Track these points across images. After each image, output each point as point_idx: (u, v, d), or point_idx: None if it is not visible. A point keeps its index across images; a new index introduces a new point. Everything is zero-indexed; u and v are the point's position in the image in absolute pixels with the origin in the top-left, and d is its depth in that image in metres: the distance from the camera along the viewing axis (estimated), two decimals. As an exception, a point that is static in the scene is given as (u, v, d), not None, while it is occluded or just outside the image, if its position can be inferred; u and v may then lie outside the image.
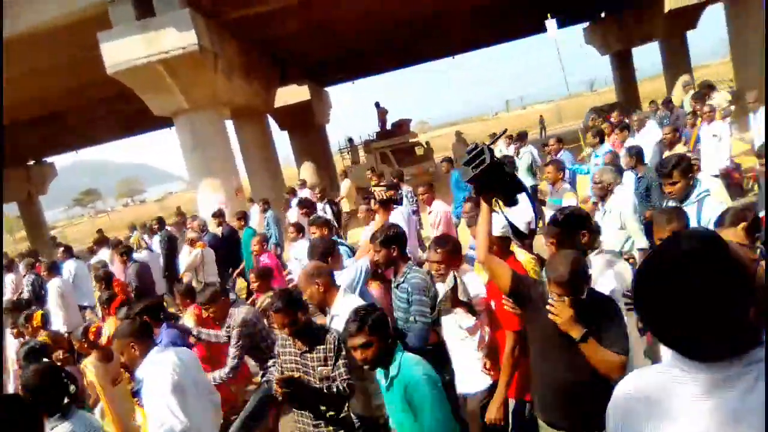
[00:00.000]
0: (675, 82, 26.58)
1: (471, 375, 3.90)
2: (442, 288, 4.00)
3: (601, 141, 9.54)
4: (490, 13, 24.14)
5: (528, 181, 10.46)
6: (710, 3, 23.56)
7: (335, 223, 10.67)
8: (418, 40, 26.41)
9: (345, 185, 16.01)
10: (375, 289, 5.00)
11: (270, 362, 5.06)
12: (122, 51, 12.88)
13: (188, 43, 12.83)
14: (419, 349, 4.11)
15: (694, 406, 1.35)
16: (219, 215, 11.32)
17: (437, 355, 4.17)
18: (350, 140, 28.99)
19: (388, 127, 26.26)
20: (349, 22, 20.48)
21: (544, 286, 3.01)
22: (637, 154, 7.43)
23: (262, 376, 5.17)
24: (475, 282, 3.99)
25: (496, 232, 3.63)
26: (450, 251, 4.00)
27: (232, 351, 5.00)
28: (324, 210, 11.64)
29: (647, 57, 34.53)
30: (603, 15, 31.46)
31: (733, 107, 10.89)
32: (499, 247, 3.71)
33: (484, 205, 3.21)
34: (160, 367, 3.66)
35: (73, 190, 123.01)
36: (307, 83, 24.68)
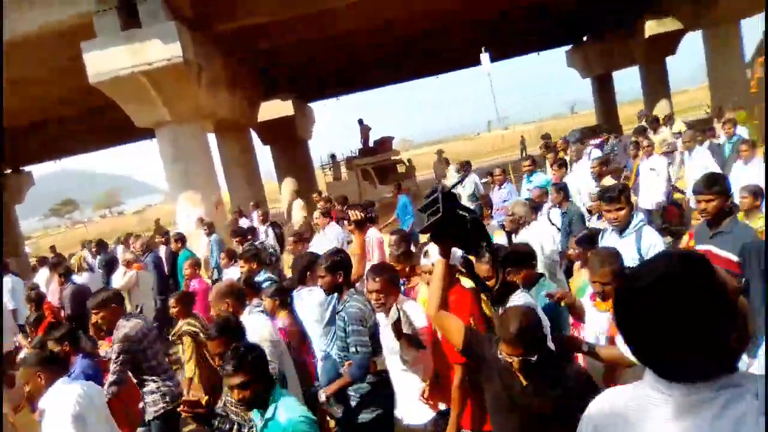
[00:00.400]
0: (654, 107, 27.09)
1: (416, 405, 3.84)
2: (382, 318, 3.92)
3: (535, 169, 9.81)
4: (475, 34, 24.47)
5: None
6: (689, 30, 24.08)
7: (277, 248, 10.33)
8: (403, 58, 26.65)
9: (297, 206, 15.51)
10: (283, 318, 4.92)
11: (153, 385, 4.86)
12: (106, 61, 12.81)
13: (173, 55, 12.80)
14: (361, 379, 4.12)
15: (666, 428, 1.36)
16: (164, 234, 11.21)
17: (380, 385, 4.14)
18: (333, 156, 29.03)
19: (371, 144, 26.36)
20: (334, 40, 20.62)
21: (498, 344, 2.79)
22: (563, 190, 7.60)
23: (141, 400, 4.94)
24: (417, 312, 3.93)
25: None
26: (388, 279, 3.92)
27: (112, 367, 4.73)
28: (266, 233, 11.41)
29: (628, 81, 35.10)
30: (585, 39, 32.00)
31: (679, 142, 11.18)
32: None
33: (440, 260, 2.99)
34: (63, 398, 3.62)
35: (50, 199, 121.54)
36: (291, 98, 24.72)
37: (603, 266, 3.46)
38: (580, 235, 5.13)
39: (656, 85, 28.27)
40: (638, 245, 4.34)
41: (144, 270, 9.76)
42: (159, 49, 12.77)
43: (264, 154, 28.69)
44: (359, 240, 4.88)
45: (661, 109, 26.66)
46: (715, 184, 4.11)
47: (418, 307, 4.02)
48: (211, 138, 19.31)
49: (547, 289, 4.23)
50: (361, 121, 26.81)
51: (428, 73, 33.39)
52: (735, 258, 3.80)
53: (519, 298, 3.74)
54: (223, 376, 3.13)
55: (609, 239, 4.59)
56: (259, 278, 6.27)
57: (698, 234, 4.43)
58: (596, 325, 3.60)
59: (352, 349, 4.14)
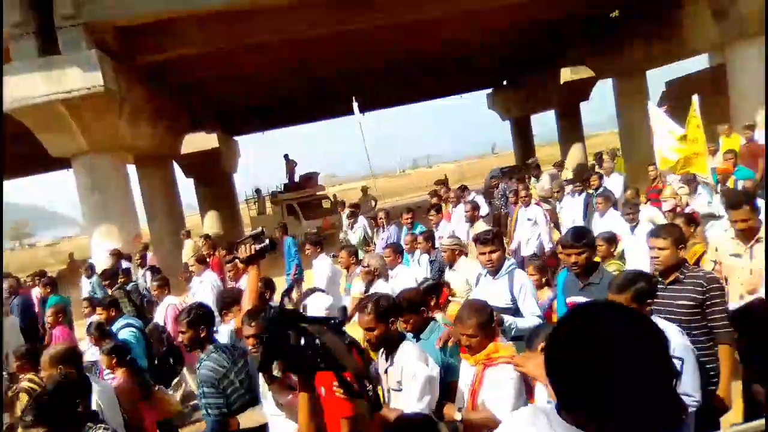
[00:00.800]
0: (570, 149, 28.46)
1: None
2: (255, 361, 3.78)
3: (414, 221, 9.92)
4: (403, 74, 25.10)
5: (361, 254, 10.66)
6: (601, 78, 25.55)
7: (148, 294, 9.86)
8: (331, 95, 26.93)
9: (187, 246, 14.75)
10: (120, 376, 4.75)
11: None
12: (21, 88, 12.36)
13: (93, 84, 12.50)
14: None
15: None
16: (40, 276, 10.83)
17: None
18: (258, 191, 28.83)
19: (297, 179, 26.40)
20: (262, 74, 20.67)
21: None
22: (430, 238, 7.81)
23: None
24: None
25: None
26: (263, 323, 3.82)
27: None
28: (144, 277, 10.99)
29: (547, 123, 36.67)
30: (505, 83, 33.36)
31: (556, 188, 11.53)
32: None
33: (301, 394, 2.41)
34: None
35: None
36: (216, 131, 24.46)
37: (470, 318, 3.41)
38: (426, 284, 5.13)
39: (571, 129, 29.73)
40: (510, 286, 4.50)
41: (10, 315, 9.28)
42: (79, 77, 12.45)
43: (187, 186, 28.19)
44: (255, 277, 4.72)
45: (575, 152, 28.02)
46: (583, 237, 4.28)
47: None
48: (132, 170, 18.86)
49: (439, 330, 4.18)
50: (286, 156, 26.86)
51: (351, 112, 33.80)
52: None
53: (406, 352, 3.54)
54: (22, 428, 2.95)
55: (484, 281, 4.75)
56: (117, 324, 6.18)
57: (567, 286, 4.54)
58: (467, 379, 3.53)
59: (203, 412, 4.06)
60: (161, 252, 18.12)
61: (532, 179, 14.24)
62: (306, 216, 23.56)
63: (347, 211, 14.56)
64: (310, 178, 26.37)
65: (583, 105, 29.62)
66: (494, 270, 4.65)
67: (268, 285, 4.87)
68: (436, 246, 7.76)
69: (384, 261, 6.52)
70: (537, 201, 10.70)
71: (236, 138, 30.65)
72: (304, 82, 23.41)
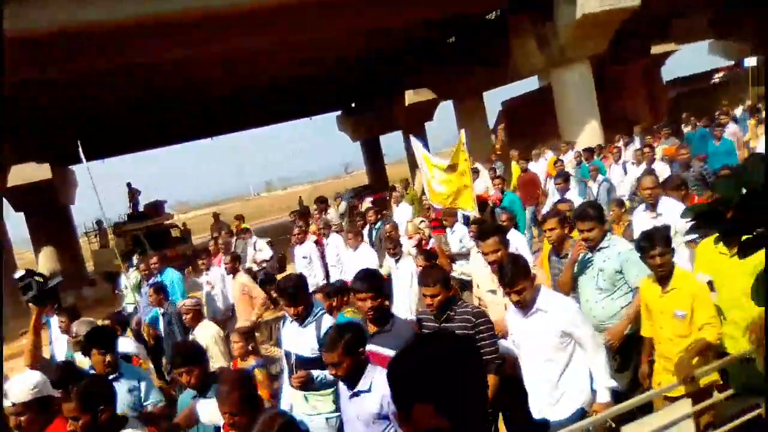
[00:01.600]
0: (417, 168, 29.47)
1: None
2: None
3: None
4: (250, 98, 24.83)
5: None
6: (443, 100, 26.86)
7: None
8: (174, 120, 26.04)
9: None
10: None
11: None
12: None
13: None
14: None
15: None
16: None
17: None
18: (99, 222, 27.09)
19: (141, 208, 25.17)
20: (97, 101, 19.59)
21: None
22: (160, 290, 7.21)
23: None
24: None
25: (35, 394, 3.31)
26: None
27: None
28: None
29: (397, 143, 37.91)
30: (353, 105, 34.02)
31: (321, 225, 10.89)
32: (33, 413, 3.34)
33: None
34: None
35: None
36: (48, 161, 22.69)
37: (231, 394, 3.03)
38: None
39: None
40: (318, 335, 4.20)
41: None
42: None
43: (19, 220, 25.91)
44: (32, 320, 4.28)
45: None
46: (372, 281, 4.06)
47: None
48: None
49: None
50: (129, 185, 25.54)
51: (204, 135, 33.03)
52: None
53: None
54: None
55: (289, 327, 4.48)
56: None
57: None
58: None
59: None
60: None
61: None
62: (153, 246, 22.44)
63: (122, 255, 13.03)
64: (155, 207, 25.21)
65: (431, 124, 30.93)
66: (301, 319, 4.31)
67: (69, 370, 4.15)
68: (168, 299, 7.15)
69: (118, 324, 6.01)
70: (319, 236, 10.13)
71: (73, 167, 28.72)
72: (145, 110, 22.47)
